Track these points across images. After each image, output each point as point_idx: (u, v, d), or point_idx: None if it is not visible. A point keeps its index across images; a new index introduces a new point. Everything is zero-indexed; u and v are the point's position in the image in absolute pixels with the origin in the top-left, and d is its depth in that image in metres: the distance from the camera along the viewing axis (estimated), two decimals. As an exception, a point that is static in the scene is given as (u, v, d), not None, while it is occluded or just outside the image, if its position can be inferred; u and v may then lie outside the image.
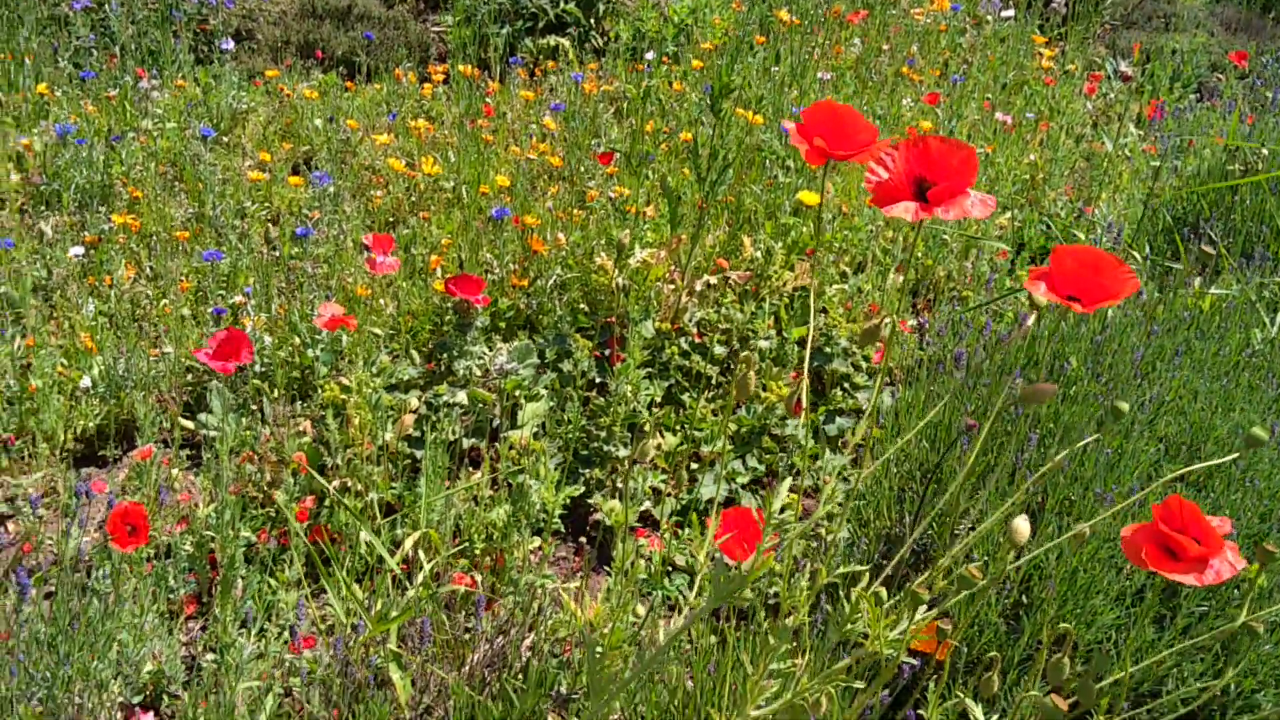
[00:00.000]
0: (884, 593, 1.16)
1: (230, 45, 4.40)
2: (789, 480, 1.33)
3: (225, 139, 4.36)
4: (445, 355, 2.85)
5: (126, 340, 2.92)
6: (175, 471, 2.42)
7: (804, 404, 1.29)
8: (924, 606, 1.21)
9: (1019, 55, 4.75)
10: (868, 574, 1.30)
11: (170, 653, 2.05)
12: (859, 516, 2.22)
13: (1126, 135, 4.25)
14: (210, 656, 2.15)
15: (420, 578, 2.09)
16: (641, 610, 1.38)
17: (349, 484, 2.40)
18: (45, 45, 4.64)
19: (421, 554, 2.09)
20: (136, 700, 2.13)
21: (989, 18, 4.93)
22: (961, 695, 1.41)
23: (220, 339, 2.10)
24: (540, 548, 2.61)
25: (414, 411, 2.66)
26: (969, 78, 4.58)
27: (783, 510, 1.38)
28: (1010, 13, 4.90)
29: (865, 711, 1.61)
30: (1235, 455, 1.20)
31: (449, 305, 2.97)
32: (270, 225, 3.74)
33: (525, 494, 2.29)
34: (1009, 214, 3.80)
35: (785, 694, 1.25)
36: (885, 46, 5.15)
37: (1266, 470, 2.06)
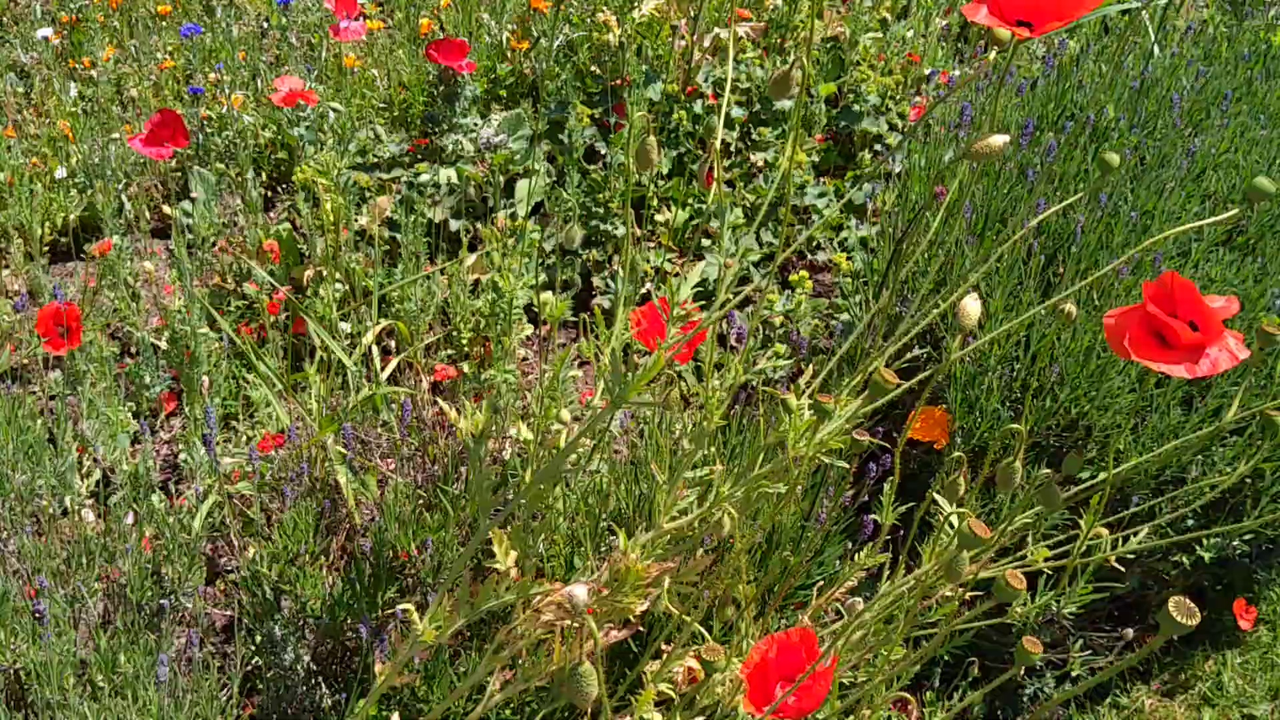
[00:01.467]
0: (792, 400, 0.98)
1: None
2: (704, 260, 1.13)
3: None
4: (435, 129, 2.65)
5: (107, 125, 2.77)
6: (148, 264, 2.30)
7: (716, 174, 1.08)
8: (857, 403, 1.03)
9: None
10: (810, 369, 1.12)
11: (143, 454, 1.97)
12: (862, 296, 2.02)
13: None
14: (184, 456, 2.09)
15: (385, 373, 1.97)
16: (567, 415, 1.22)
17: (323, 272, 2.26)
18: None
19: (374, 351, 1.96)
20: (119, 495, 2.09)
21: None
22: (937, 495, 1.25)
23: (154, 122, 1.92)
24: (536, 334, 2.47)
25: (396, 193, 2.49)
26: None
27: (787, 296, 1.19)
28: None
29: (819, 514, 1.46)
30: (1236, 211, 0.98)
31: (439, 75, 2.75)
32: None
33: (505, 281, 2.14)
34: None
35: (705, 505, 1.10)
36: None
37: (1327, 228, 1.80)
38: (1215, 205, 1.84)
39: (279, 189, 2.74)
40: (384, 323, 1.97)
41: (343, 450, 1.68)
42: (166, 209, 2.60)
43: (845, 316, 2.28)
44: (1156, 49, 1.95)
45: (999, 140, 1.00)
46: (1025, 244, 1.75)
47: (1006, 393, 1.71)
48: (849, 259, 2.53)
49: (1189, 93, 1.90)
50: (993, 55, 1.08)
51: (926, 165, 2.01)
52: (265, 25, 3.17)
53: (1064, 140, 1.83)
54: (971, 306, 1.03)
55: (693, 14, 2.78)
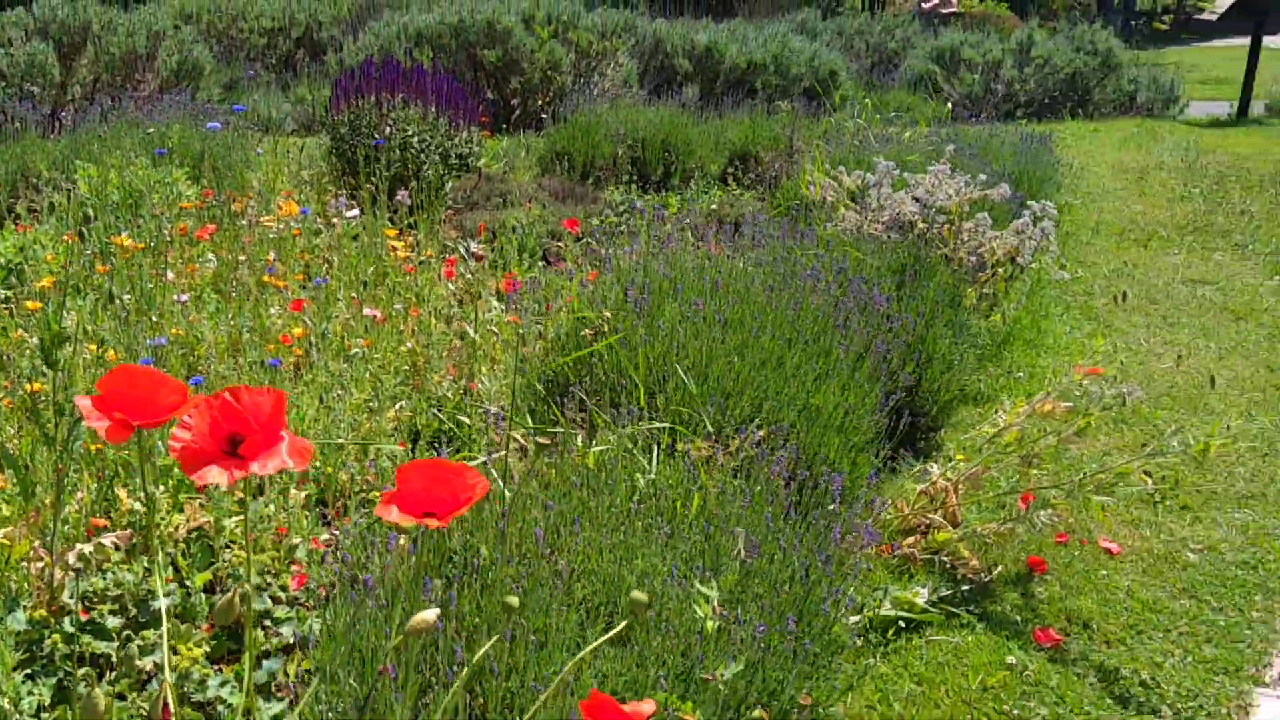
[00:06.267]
0: None
1: None
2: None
3: None
4: None
5: None
6: None
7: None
8: None
9: (375, 249, 4.87)
10: None
11: None
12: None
13: (490, 309, 4.49)
14: None
15: None
16: None
17: None
18: None
19: None
20: None
21: (335, 219, 5.01)
22: None
23: None
24: None
25: None
26: (332, 278, 4.60)
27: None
28: (355, 212, 5.01)
29: None
30: (625, 623, 1.21)
31: None
32: None
33: None
34: (399, 405, 3.81)
35: None
36: (242, 257, 5.04)
37: (675, 609, 2.17)
38: (589, 610, 2.15)
39: None
40: None
41: None
42: None
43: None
44: (507, 492, 2.28)
45: (431, 615, 1.16)
46: (456, 698, 1.90)
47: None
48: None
49: (544, 522, 2.25)
50: (403, 540, 1.25)
51: (331, 636, 2.11)
52: None
53: (457, 587, 2.05)
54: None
55: (48, 533, 2.69)
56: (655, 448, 2.88)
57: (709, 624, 2.11)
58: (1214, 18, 23.07)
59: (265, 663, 2.73)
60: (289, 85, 11.41)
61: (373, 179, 5.59)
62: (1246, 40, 12.28)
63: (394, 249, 4.91)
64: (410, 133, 6.15)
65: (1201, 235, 7.06)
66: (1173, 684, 2.88)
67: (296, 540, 3.13)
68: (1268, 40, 13.17)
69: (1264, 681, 2.92)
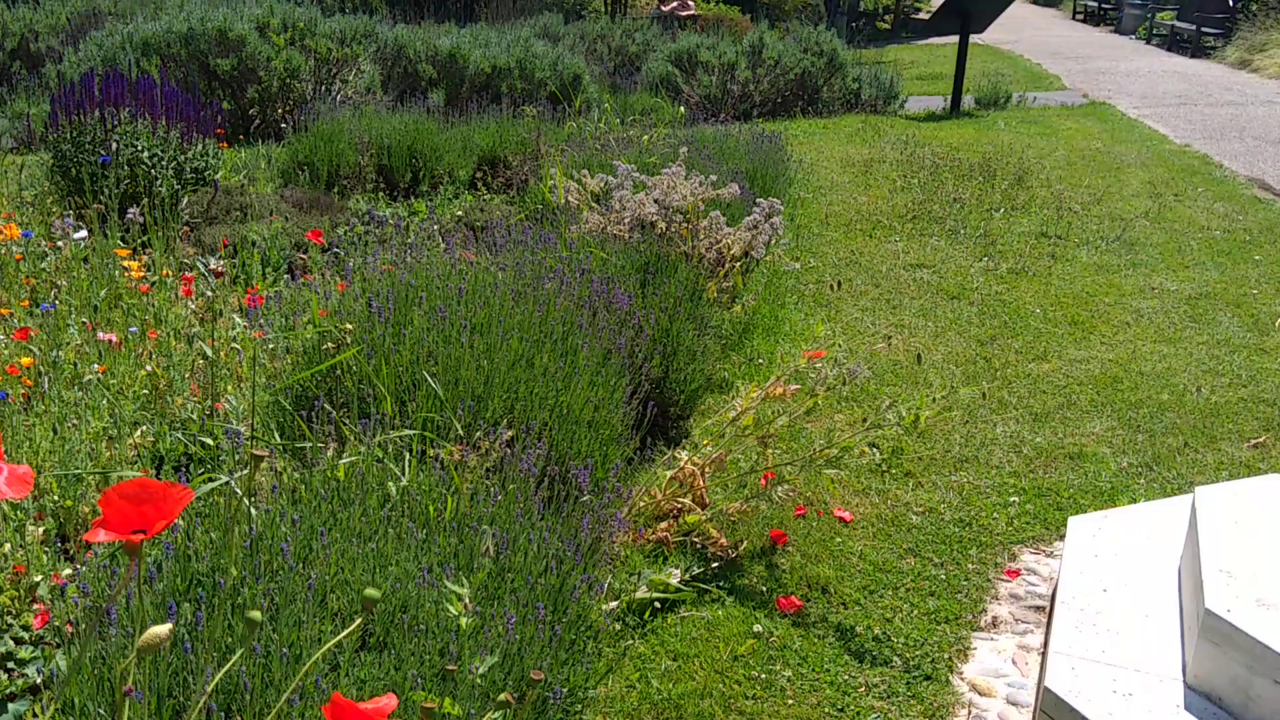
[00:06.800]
0: None
1: None
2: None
3: None
4: None
5: None
6: None
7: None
8: None
9: (108, 271, 4.68)
10: None
11: None
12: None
13: (234, 327, 4.40)
14: None
15: None
16: None
17: None
18: None
19: None
20: None
21: (62, 242, 4.79)
22: None
23: None
24: None
25: None
26: (61, 302, 4.40)
27: None
28: (84, 233, 4.81)
29: None
30: (360, 620, 1.28)
31: None
32: None
33: None
34: (141, 430, 3.70)
35: None
36: (-41, 287, 4.75)
37: (430, 610, 2.24)
38: (344, 619, 2.19)
39: None
40: None
41: None
42: None
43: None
44: (252, 509, 2.29)
45: (164, 629, 1.19)
46: (205, 709, 1.91)
47: None
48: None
49: (293, 539, 2.26)
50: (135, 572, 1.28)
51: (78, 669, 2.07)
52: None
53: (205, 607, 2.05)
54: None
55: None
56: (408, 455, 2.93)
57: (463, 621, 2.19)
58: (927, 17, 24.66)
59: (11, 705, 2.63)
60: (5, 100, 10.71)
61: (101, 197, 5.36)
62: (956, 38, 13.20)
63: (128, 269, 4.73)
64: (140, 148, 5.92)
65: (919, 223, 7.60)
66: (901, 636, 3.14)
67: (37, 578, 3.01)
68: (975, 38, 14.23)
69: (980, 626, 3.22)
